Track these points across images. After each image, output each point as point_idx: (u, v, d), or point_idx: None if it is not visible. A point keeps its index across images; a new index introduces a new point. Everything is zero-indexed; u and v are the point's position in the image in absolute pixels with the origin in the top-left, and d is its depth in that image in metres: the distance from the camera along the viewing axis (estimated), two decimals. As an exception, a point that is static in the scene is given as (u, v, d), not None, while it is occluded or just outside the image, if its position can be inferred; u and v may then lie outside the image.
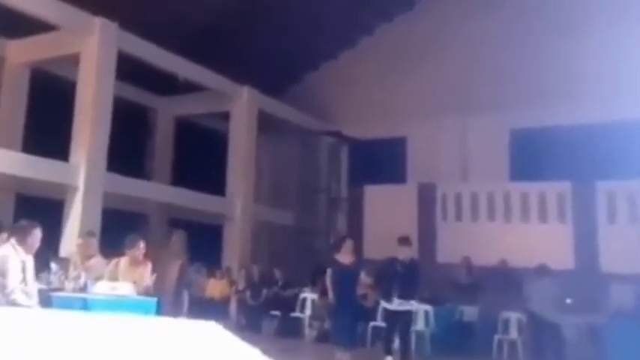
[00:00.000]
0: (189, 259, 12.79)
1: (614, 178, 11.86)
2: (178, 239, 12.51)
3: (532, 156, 13.46)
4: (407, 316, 8.28)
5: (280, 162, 17.04)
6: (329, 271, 8.38)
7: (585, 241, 11.63)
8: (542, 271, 9.83)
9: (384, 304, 8.35)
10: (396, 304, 8.07)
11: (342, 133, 16.20)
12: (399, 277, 8.09)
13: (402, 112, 15.29)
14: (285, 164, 16.86)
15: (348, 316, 8.26)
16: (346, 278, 8.25)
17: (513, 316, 10.47)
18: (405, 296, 8.03)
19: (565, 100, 13.00)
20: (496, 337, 10.38)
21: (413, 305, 8.24)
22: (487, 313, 10.72)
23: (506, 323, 10.53)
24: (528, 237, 11.94)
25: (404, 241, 8.32)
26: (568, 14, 13.57)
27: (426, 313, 10.86)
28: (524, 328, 10.29)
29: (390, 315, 8.37)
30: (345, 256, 8.35)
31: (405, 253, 8.19)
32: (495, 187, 13.07)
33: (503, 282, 10.96)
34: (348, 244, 8.46)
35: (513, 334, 10.40)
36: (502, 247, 11.81)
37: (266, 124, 15.66)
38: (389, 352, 8.27)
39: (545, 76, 13.56)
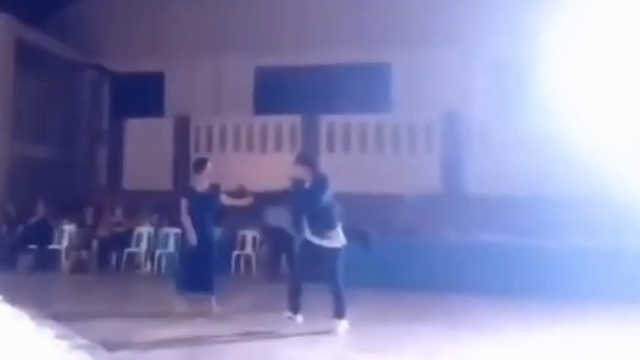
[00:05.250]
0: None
1: (335, 112, 13.86)
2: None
3: (272, 92, 15.00)
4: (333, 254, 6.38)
5: (41, 94, 16.78)
6: (184, 202, 7.17)
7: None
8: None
9: (310, 236, 6.39)
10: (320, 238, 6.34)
11: (103, 66, 16.42)
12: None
13: (161, 47, 15.81)
14: (46, 97, 16.67)
15: (203, 256, 7.04)
16: (204, 208, 7.18)
17: (249, 234, 12.12)
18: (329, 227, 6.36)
19: (300, 44, 14.47)
20: (234, 253, 11.99)
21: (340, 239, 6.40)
22: (228, 233, 12.20)
23: (243, 240, 12.16)
24: (265, 164, 13.50)
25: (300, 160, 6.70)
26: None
27: (176, 235, 12.13)
28: (257, 244, 12.01)
29: (309, 252, 6.43)
30: (203, 182, 7.31)
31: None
32: (241, 120, 14.50)
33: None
34: (209, 168, 7.38)
35: (248, 249, 12.08)
36: (245, 176, 13.26)
37: (25, 55, 15.27)
38: (297, 308, 6.46)
39: (286, 22, 14.87)
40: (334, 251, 6.39)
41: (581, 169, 10.99)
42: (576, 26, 11.62)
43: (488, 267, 9.62)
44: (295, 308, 6.45)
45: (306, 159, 6.77)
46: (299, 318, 6.46)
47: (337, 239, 6.40)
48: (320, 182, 6.44)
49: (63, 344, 4.41)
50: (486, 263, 9.70)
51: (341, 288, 6.41)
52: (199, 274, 7.04)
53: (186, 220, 7.14)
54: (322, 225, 6.35)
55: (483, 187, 12.10)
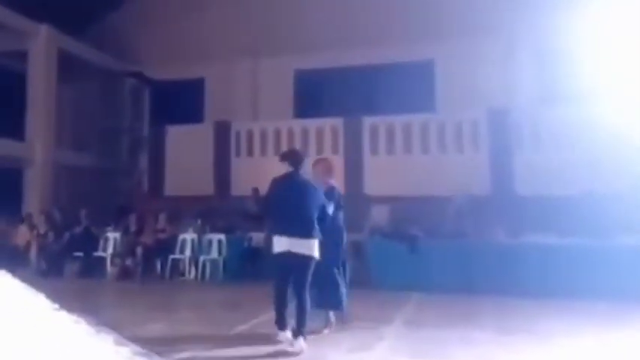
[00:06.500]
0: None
1: (377, 113, 13.64)
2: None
3: (312, 95, 14.89)
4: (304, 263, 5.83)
5: (82, 103, 17.06)
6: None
7: (353, 170, 13.39)
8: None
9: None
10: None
11: (143, 74, 16.56)
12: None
13: (200, 53, 15.94)
14: (87, 106, 16.93)
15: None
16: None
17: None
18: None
19: (339, 44, 14.40)
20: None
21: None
22: (271, 237, 12.05)
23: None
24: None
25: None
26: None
27: (219, 241, 12.08)
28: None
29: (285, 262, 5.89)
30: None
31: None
32: (281, 124, 14.40)
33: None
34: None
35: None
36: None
37: (67, 65, 15.54)
38: (284, 324, 5.83)
39: (324, 23, 14.81)
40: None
41: (634, 165, 10.58)
42: (627, 16, 11.18)
43: (539, 269, 9.32)
44: (280, 324, 5.84)
45: (293, 157, 6.17)
46: (285, 335, 5.79)
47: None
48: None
49: (124, 351, 4.32)
50: (537, 265, 9.39)
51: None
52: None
53: None
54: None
55: (533, 186, 11.74)
